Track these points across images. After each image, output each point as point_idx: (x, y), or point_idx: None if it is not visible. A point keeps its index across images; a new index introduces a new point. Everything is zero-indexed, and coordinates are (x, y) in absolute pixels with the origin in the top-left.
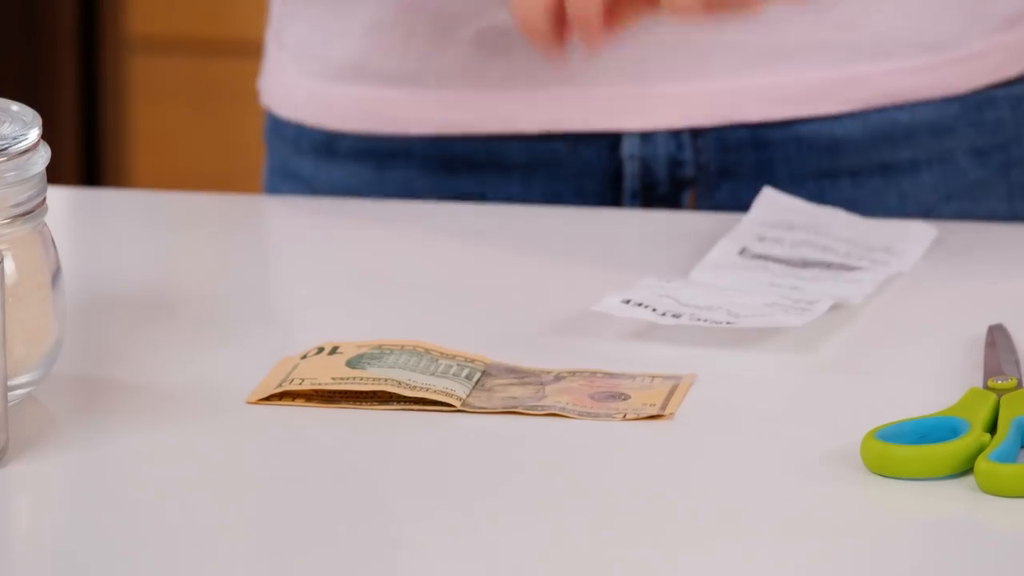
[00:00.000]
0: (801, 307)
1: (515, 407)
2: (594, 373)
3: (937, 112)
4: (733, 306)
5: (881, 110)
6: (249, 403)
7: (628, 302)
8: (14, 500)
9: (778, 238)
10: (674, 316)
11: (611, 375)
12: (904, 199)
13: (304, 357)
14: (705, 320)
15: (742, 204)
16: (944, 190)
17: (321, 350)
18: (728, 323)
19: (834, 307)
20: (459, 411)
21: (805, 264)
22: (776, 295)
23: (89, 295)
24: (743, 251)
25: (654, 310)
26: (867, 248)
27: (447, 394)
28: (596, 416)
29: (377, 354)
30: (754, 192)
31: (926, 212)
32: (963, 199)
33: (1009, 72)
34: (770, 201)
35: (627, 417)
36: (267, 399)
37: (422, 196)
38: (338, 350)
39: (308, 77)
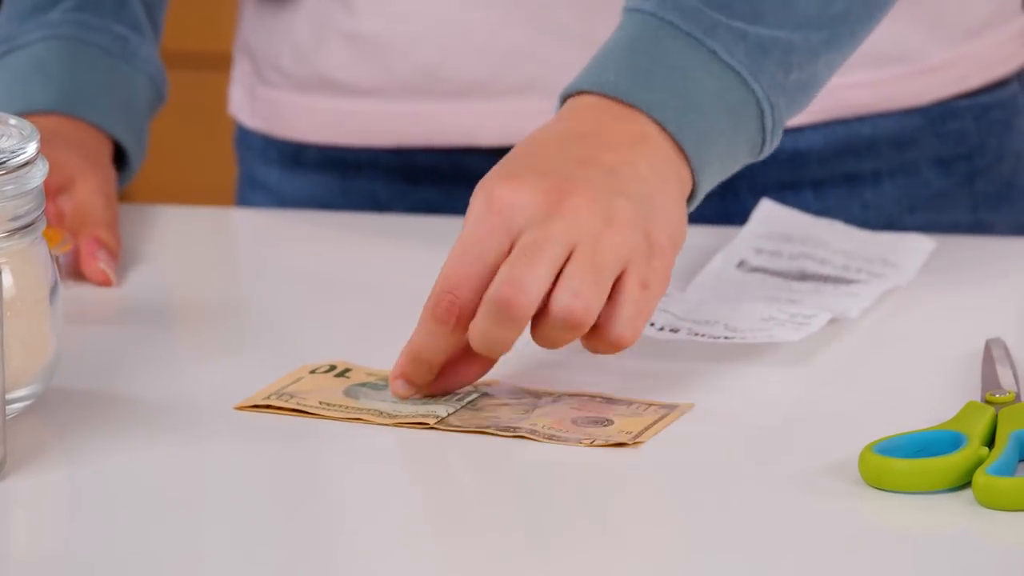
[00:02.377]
0: (799, 321)
1: (487, 427)
2: (592, 397)
3: (900, 123)
4: (731, 320)
5: (843, 122)
6: (237, 408)
7: None
8: (13, 513)
9: (776, 250)
10: (672, 331)
11: (608, 400)
12: (867, 209)
13: (313, 372)
14: (703, 335)
15: (705, 218)
16: (907, 200)
17: (332, 368)
18: (726, 338)
19: (832, 321)
20: (433, 428)
21: (803, 277)
22: (774, 309)
23: (87, 308)
24: (741, 264)
25: (652, 324)
26: (865, 260)
27: (424, 415)
28: (565, 441)
29: (381, 385)
30: (716, 204)
31: (889, 222)
32: (927, 209)
33: (971, 83)
34: (767, 213)
35: (595, 443)
36: (255, 407)
37: (387, 207)
38: (347, 373)
39: (273, 88)
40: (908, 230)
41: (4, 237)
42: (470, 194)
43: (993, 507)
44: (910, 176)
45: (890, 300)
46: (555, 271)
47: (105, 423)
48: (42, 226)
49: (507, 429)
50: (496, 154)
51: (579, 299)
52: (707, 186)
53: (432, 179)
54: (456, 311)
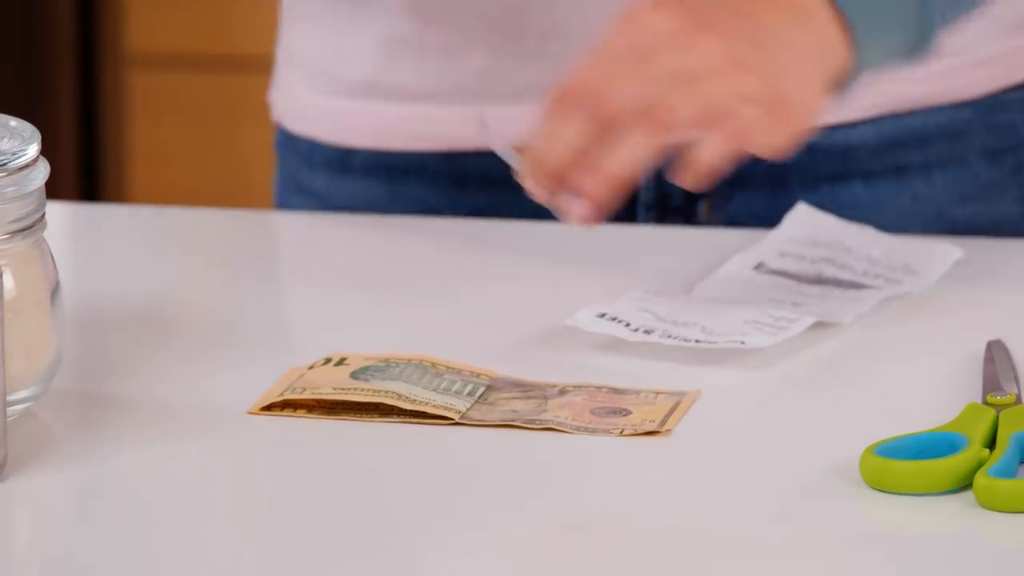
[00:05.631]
0: (781, 326)
1: (513, 420)
2: (599, 388)
3: (949, 116)
4: (709, 323)
5: (894, 116)
6: (251, 413)
7: (603, 315)
8: (14, 515)
9: (799, 254)
10: (645, 332)
11: (616, 390)
12: (918, 201)
13: (311, 367)
14: (675, 337)
15: (756, 213)
16: (957, 192)
17: (328, 360)
18: (696, 341)
19: (817, 326)
20: (457, 424)
21: (819, 281)
22: (759, 312)
23: (88, 310)
24: (759, 266)
25: (627, 325)
26: (888, 267)
27: (447, 408)
28: (594, 431)
29: (382, 367)
30: (767, 200)
31: (939, 214)
32: (976, 201)
33: (1021, 75)
34: (801, 216)
35: (624, 433)
36: (269, 408)
37: (436, 212)
38: (345, 361)
39: (320, 93)
40: (957, 221)
41: (5, 239)
42: (520, 198)
43: (994, 509)
44: (960, 168)
45: (892, 303)
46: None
47: (107, 425)
48: (43, 228)
49: (532, 422)
50: None
51: (672, 110)
52: (862, 71)
53: (481, 184)
54: (569, 107)
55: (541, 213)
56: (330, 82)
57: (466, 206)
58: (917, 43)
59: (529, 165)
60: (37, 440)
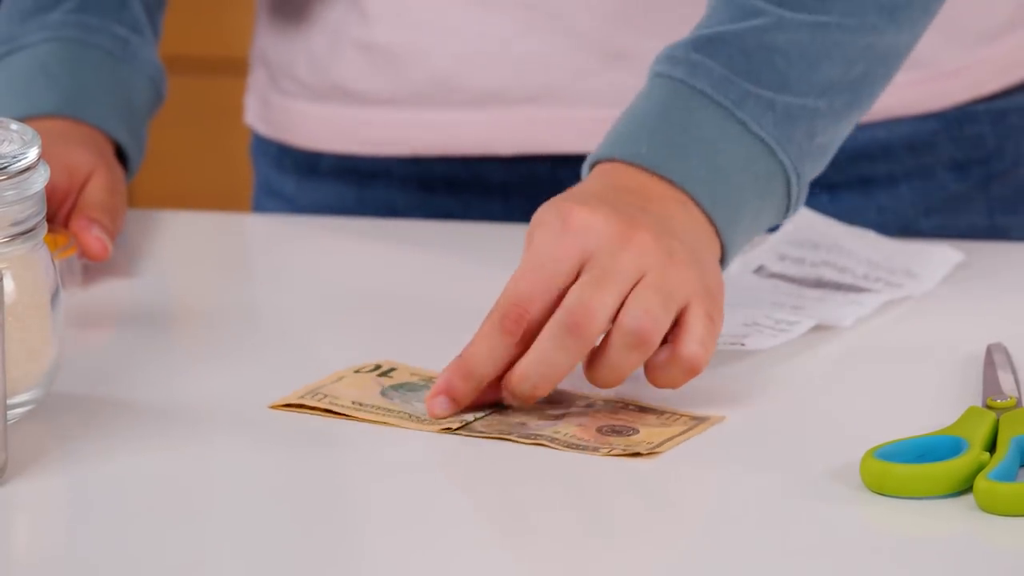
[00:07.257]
0: (781, 328)
1: (509, 434)
2: (626, 405)
3: (916, 128)
4: None
5: (859, 127)
6: (272, 407)
7: None
8: (14, 518)
9: (800, 257)
10: None
11: (641, 408)
12: (883, 213)
13: (357, 371)
14: None
15: None
16: (923, 204)
17: (377, 367)
18: None
19: (817, 328)
20: (455, 433)
21: (819, 285)
22: (760, 314)
23: (87, 313)
24: (759, 269)
25: None
26: (888, 271)
27: (451, 419)
28: (583, 450)
29: (420, 385)
30: None
31: (905, 226)
32: (943, 213)
33: (989, 87)
34: (801, 219)
35: (612, 453)
36: (288, 406)
37: (403, 215)
38: (391, 373)
39: (288, 97)
40: (923, 233)
41: (5, 242)
42: (486, 203)
43: (994, 512)
44: (926, 180)
45: (893, 306)
46: (621, 299)
47: (106, 428)
48: (43, 231)
49: (528, 436)
50: (512, 163)
51: (648, 315)
52: (735, 254)
53: (448, 188)
54: (524, 324)
55: (507, 217)
56: (296, 85)
57: (434, 209)
58: (782, 208)
59: (458, 377)
60: (37, 444)
